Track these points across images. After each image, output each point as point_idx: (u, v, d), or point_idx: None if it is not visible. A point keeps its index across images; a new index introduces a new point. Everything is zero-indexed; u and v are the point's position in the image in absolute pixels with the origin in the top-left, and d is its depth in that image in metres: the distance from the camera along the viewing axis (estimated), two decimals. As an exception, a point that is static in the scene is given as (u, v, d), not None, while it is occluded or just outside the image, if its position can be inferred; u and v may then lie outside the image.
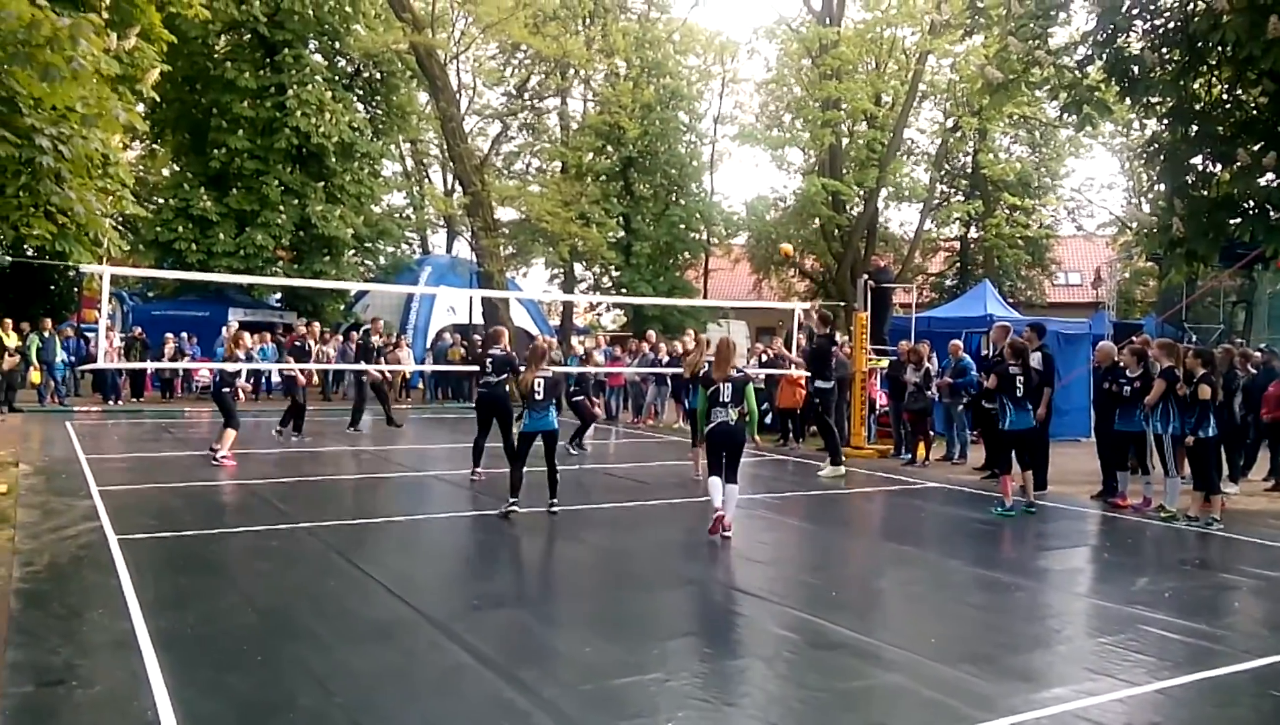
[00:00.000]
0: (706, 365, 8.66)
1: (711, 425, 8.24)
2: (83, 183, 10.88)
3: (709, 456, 8.39)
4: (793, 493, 11.18)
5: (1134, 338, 12.03)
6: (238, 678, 4.70)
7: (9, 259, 12.05)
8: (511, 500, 8.98)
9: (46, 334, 19.80)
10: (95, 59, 8.24)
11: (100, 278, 11.97)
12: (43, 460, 12.26)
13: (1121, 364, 10.49)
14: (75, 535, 7.84)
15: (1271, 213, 11.81)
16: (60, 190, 10.30)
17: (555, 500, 9.14)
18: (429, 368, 24.82)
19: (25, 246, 12.26)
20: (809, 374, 13.37)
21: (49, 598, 6.05)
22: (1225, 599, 6.92)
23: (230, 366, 12.53)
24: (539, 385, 8.96)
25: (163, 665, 4.76)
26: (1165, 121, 13.51)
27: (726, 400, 8.16)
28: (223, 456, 11.86)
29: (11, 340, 18.64)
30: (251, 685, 4.63)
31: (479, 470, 11.13)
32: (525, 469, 9.08)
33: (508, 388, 10.53)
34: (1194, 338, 18.31)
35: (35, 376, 19.78)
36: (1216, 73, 12.66)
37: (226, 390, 12.47)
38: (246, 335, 13.40)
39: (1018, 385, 9.93)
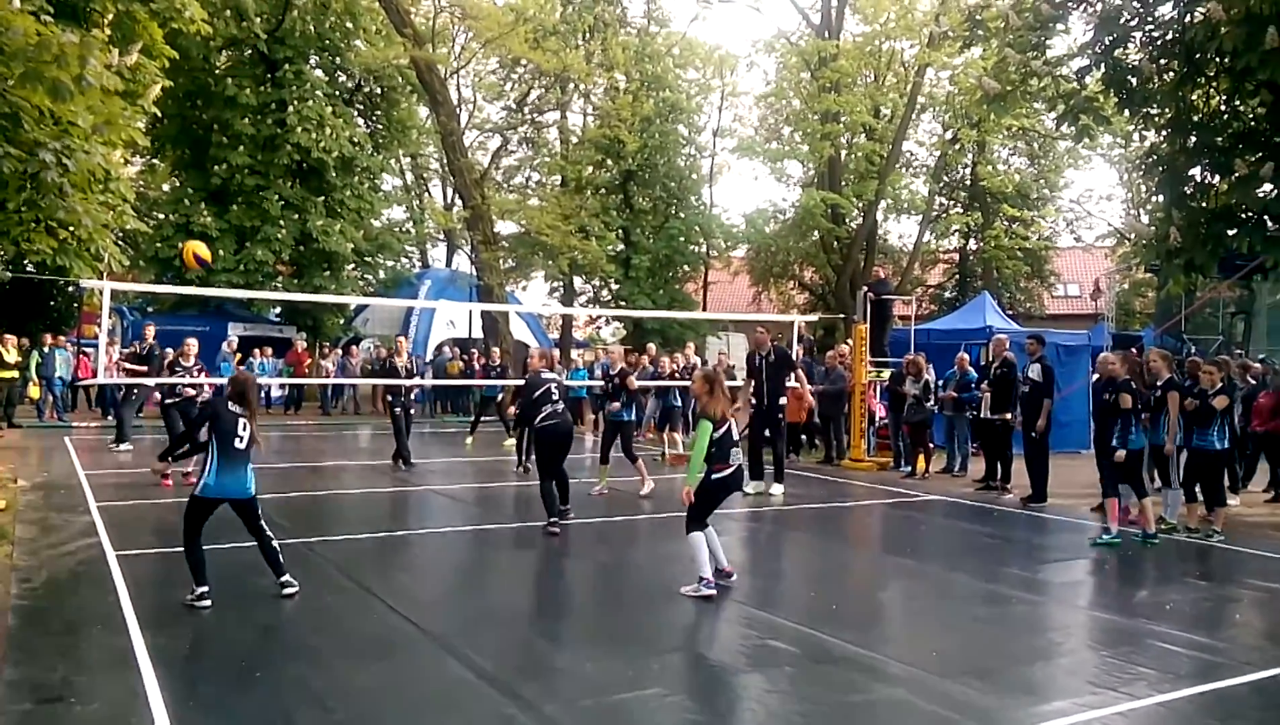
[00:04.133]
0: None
1: (729, 471, 6.93)
2: (85, 197, 10.89)
3: (706, 506, 7.04)
4: (793, 506, 11.16)
5: (1132, 350, 12.04)
6: (236, 695, 4.69)
7: (9, 274, 12.04)
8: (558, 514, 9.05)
9: (46, 349, 19.82)
10: (100, 74, 8.27)
11: (100, 293, 11.98)
12: (41, 476, 12.24)
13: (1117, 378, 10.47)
14: (74, 551, 7.83)
15: (1270, 223, 11.82)
16: (65, 204, 10.31)
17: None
18: (429, 382, 24.81)
19: (25, 262, 12.26)
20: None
21: (47, 614, 6.03)
22: (1226, 611, 6.90)
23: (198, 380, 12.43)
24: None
25: (161, 682, 4.75)
26: (1163, 132, 13.54)
27: (737, 439, 7.06)
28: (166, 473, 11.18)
29: (11, 356, 18.64)
30: (250, 702, 4.61)
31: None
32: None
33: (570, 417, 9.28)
34: (1193, 349, 18.30)
35: (34, 392, 19.79)
36: (1214, 84, 12.69)
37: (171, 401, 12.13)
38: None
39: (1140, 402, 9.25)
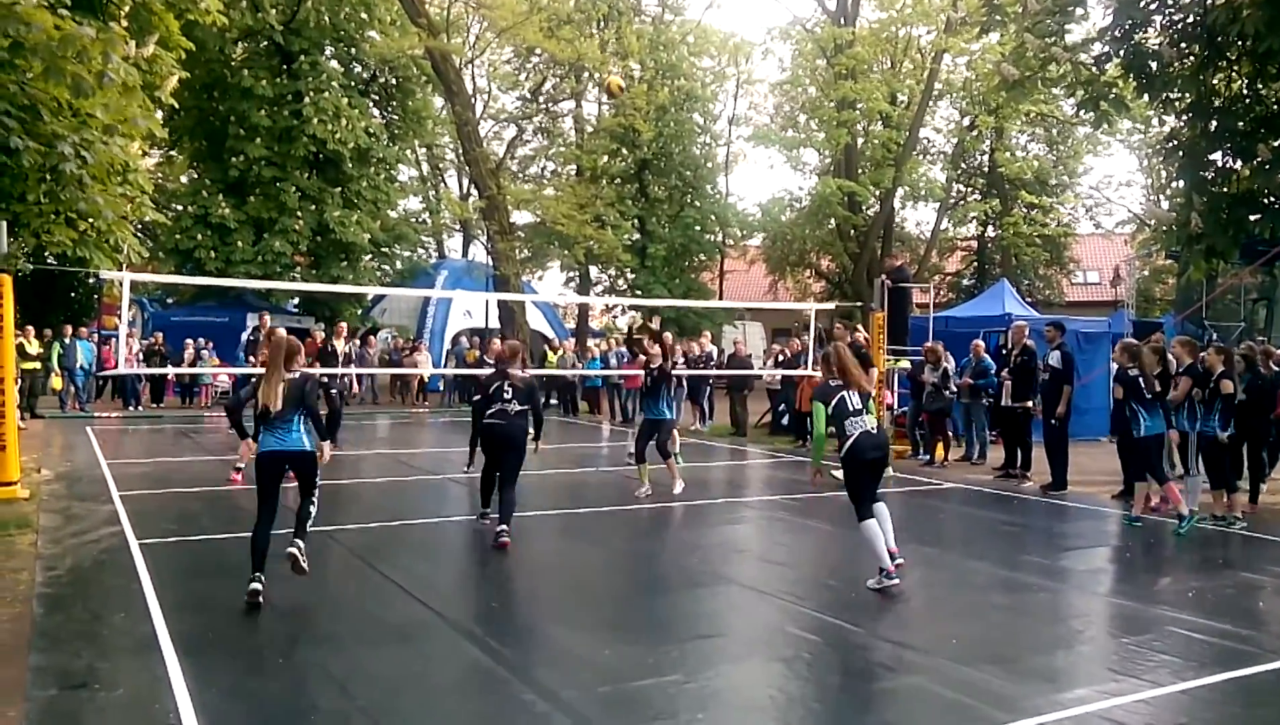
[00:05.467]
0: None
1: (853, 439, 6.68)
2: (104, 189, 10.97)
3: (856, 486, 6.77)
4: (812, 494, 11.13)
5: (1153, 337, 11.94)
6: (259, 681, 4.72)
7: (30, 266, 12.14)
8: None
9: (67, 340, 19.99)
10: (119, 68, 8.31)
11: (120, 284, 12.03)
12: (64, 466, 12.36)
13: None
14: (97, 540, 7.90)
15: (1292, 208, 11.70)
16: (84, 196, 10.39)
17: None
18: (449, 371, 24.90)
19: (46, 254, 12.35)
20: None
21: (71, 602, 6.09)
22: (1250, 598, 6.84)
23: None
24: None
25: (184, 668, 4.79)
26: (1184, 117, 13.40)
27: (859, 407, 6.77)
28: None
29: (33, 347, 18.81)
30: (272, 688, 4.65)
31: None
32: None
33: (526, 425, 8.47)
34: (1214, 336, 18.14)
35: (56, 383, 19.96)
36: (1236, 67, 12.54)
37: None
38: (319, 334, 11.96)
39: (1142, 387, 9.25)
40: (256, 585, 5.98)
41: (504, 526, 7.90)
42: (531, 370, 11.62)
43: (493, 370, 8.83)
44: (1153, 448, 9.33)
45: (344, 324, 14.06)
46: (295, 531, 6.26)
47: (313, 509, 6.41)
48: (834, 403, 6.72)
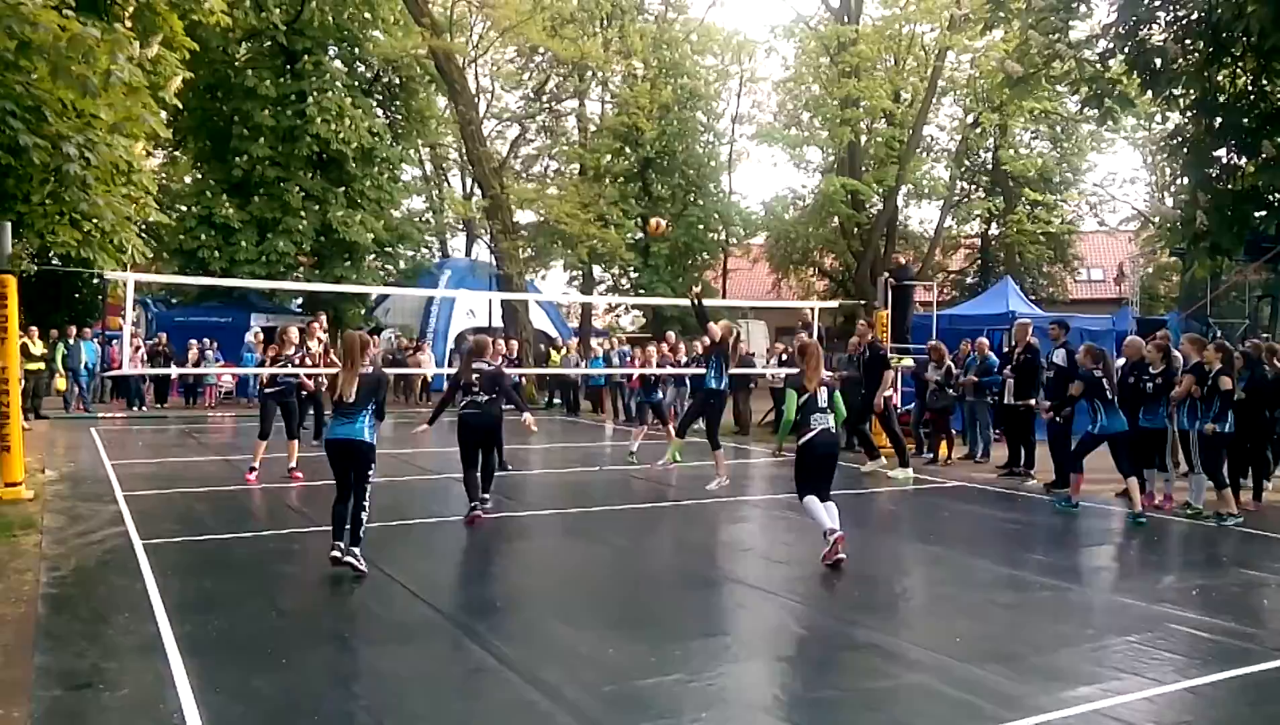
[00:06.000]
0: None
1: (812, 434, 7.33)
2: (108, 190, 10.99)
3: (802, 472, 7.44)
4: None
5: (1156, 334, 11.91)
6: (263, 680, 4.73)
7: (34, 267, 12.16)
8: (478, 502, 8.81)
9: (71, 341, 20.02)
10: (126, 70, 8.33)
11: (124, 284, 12.04)
12: (68, 466, 12.38)
13: (1146, 360, 10.39)
14: (101, 540, 7.91)
15: (1298, 205, 11.68)
16: (87, 196, 10.41)
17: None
18: (451, 370, 24.88)
19: (50, 254, 12.37)
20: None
21: (76, 602, 6.10)
22: (1255, 596, 6.83)
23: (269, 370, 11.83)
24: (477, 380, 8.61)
25: (188, 668, 4.80)
26: (1188, 114, 13.37)
27: (825, 405, 7.36)
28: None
29: (37, 348, 18.84)
30: (276, 687, 4.65)
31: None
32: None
33: (499, 411, 9.03)
34: (1219, 333, 18.09)
35: (60, 383, 20.00)
36: (1241, 64, 12.51)
37: (270, 391, 11.13)
38: (293, 329, 12.12)
39: (1105, 388, 9.62)
40: (335, 553, 6.67)
41: (485, 494, 8.74)
42: (535, 369, 11.86)
43: (464, 367, 9.14)
44: (1090, 444, 9.80)
45: (317, 324, 14.39)
46: (351, 539, 6.73)
47: (364, 515, 6.87)
48: (805, 398, 7.32)
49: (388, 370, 11.94)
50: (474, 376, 8.78)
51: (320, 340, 12.73)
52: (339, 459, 6.88)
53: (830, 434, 7.35)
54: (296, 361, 11.32)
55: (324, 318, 15.44)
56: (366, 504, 6.88)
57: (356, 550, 6.72)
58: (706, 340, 11.14)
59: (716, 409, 11.10)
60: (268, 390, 11.24)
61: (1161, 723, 4.38)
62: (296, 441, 11.38)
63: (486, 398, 8.69)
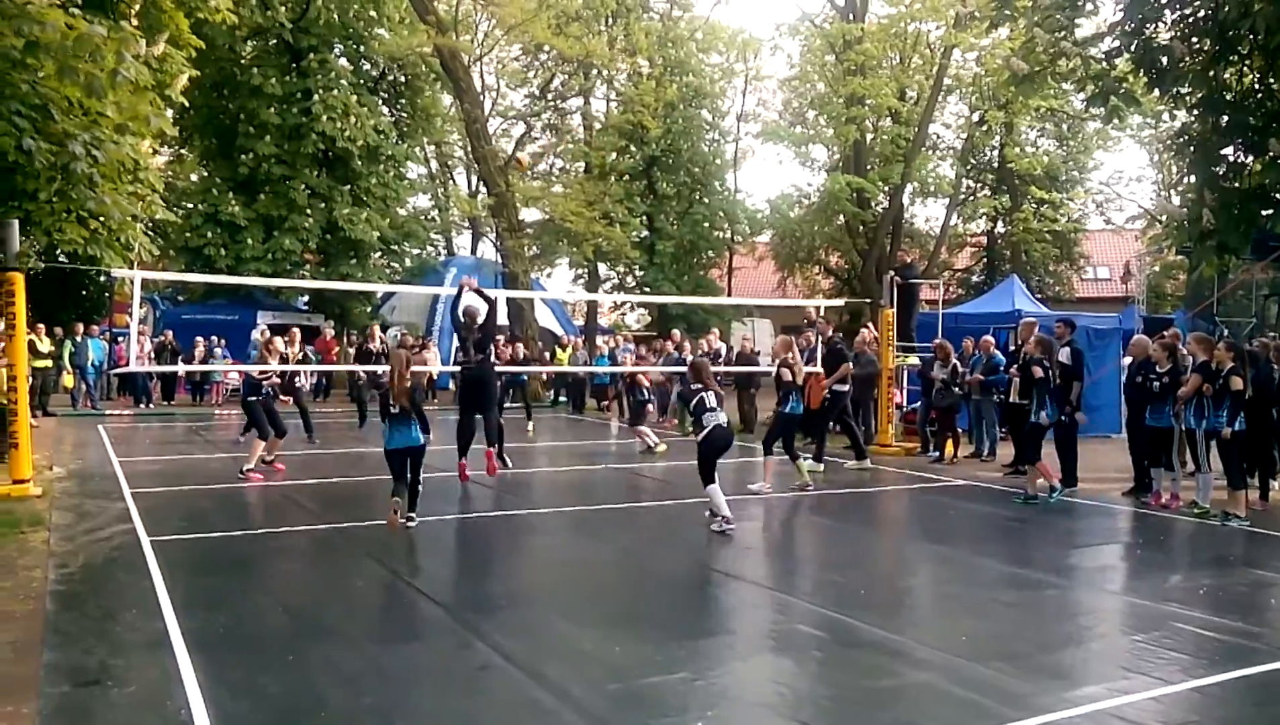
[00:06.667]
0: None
1: (708, 430, 8.58)
2: (114, 187, 11.01)
3: (701, 463, 8.64)
4: (821, 491, 11.12)
5: (1164, 333, 11.88)
6: (269, 677, 4.74)
7: (41, 264, 12.19)
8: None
9: (79, 338, 20.07)
10: (132, 68, 8.34)
11: (131, 282, 12.06)
12: (76, 463, 12.42)
13: (1152, 358, 10.36)
14: (109, 537, 7.94)
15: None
16: (94, 194, 10.43)
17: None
18: (455, 368, 24.90)
19: (57, 252, 12.41)
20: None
21: (84, 599, 6.12)
22: (1262, 596, 6.81)
23: (258, 368, 12.23)
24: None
25: (195, 665, 4.81)
26: (1195, 112, 13.31)
27: (714, 406, 8.67)
28: (248, 469, 11.08)
29: (45, 345, 18.90)
30: (283, 685, 4.66)
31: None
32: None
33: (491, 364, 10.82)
34: (1226, 332, 18.05)
35: (68, 381, 20.05)
36: (1247, 62, 12.46)
37: (253, 398, 11.52)
38: (279, 340, 12.95)
39: (1050, 379, 10.16)
40: (397, 498, 8.20)
41: (492, 447, 10.38)
42: (541, 368, 12.63)
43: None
44: (1039, 434, 10.47)
45: (296, 330, 15.07)
46: (409, 505, 8.34)
47: (420, 488, 8.56)
48: (694, 402, 8.69)
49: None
50: (467, 337, 10.43)
51: (295, 346, 13.31)
52: (400, 462, 8.32)
53: (723, 428, 8.63)
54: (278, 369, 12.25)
55: (297, 331, 15.83)
56: (421, 482, 8.57)
57: (413, 513, 8.36)
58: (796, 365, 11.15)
59: (794, 424, 11.33)
60: (250, 398, 11.64)
61: (1168, 722, 4.37)
62: (280, 439, 11.85)
63: (478, 357, 10.19)
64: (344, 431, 16.62)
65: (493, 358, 10.95)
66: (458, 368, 10.71)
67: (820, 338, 13.65)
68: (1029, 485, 10.47)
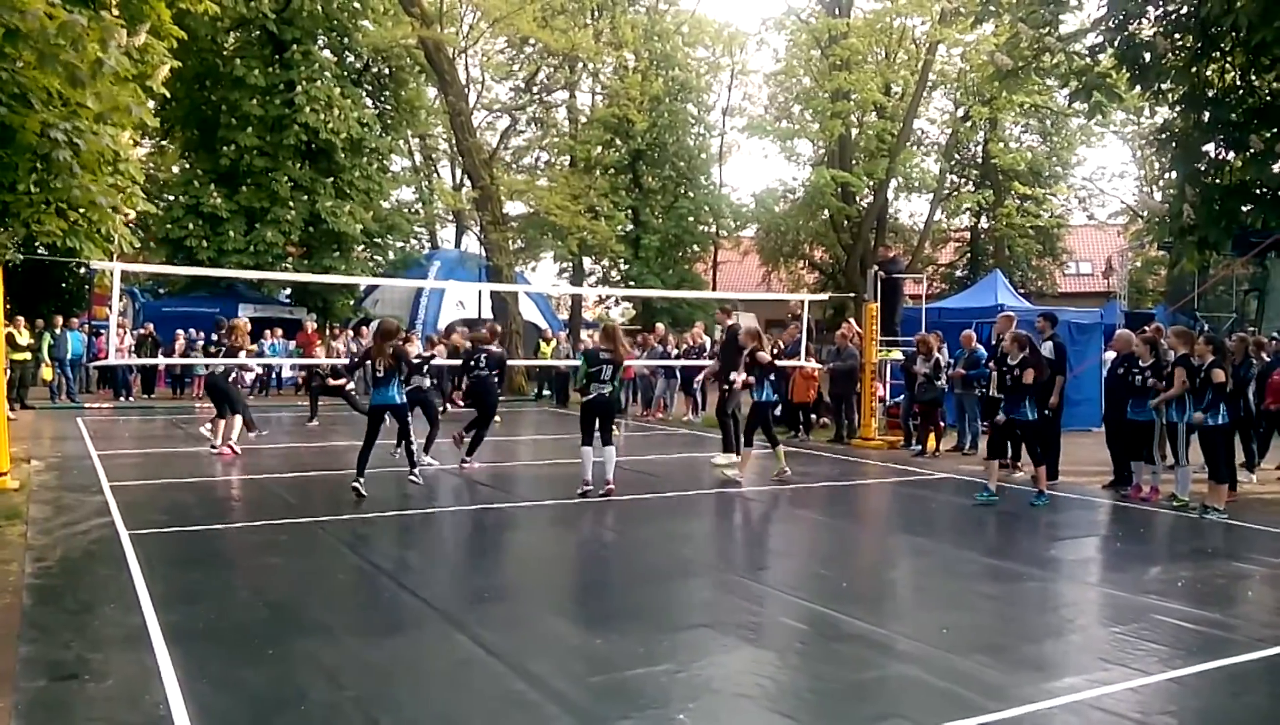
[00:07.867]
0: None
1: (591, 397, 9.68)
2: (94, 178, 10.90)
3: (581, 425, 9.84)
4: (804, 484, 11.15)
5: (1146, 327, 11.96)
6: (249, 671, 4.71)
7: (20, 256, 12.08)
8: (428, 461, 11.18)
9: (58, 331, 19.90)
10: (114, 57, 8.26)
11: (111, 274, 11.99)
12: (55, 456, 12.32)
13: (1135, 353, 10.42)
14: (87, 531, 7.88)
15: (1285, 199, 11.69)
16: (75, 184, 10.32)
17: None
18: (440, 362, 24.81)
19: (36, 244, 12.30)
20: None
21: (61, 593, 6.07)
22: (1239, 588, 6.88)
23: (237, 361, 12.70)
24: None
25: (174, 659, 4.78)
26: (1177, 108, 13.38)
27: (608, 378, 9.66)
28: (218, 447, 12.23)
29: (24, 338, 18.74)
30: (263, 678, 4.64)
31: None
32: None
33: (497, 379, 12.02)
34: (1206, 326, 18.19)
35: (47, 373, 19.89)
36: (1229, 59, 12.52)
37: (230, 378, 12.86)
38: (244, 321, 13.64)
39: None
40: (356, 485, 9.33)
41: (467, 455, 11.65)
42: (525, 361, 13.33)
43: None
44: (1011, 431, 10.43)
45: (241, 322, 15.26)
46: (410, 464, 10.03)
47: (413, 447, 10.03)
48: (595, 368, 9.57)
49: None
50: (482, 356, 11.82)
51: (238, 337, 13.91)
52: (378, 418, 9.65)
53: (605, 398, 9.63)
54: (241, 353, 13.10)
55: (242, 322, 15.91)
56: (410, 436, 9.95)
57: (412, 466, 9.94)
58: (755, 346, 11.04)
59: (766, 412, 11.26)
60: (222, 383, 12.80)
61: (1146, 713, 4.40)
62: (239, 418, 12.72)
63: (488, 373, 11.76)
64: (326, 424, 16.53)
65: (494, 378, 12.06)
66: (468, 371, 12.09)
67: (720, 326, 12.72)
68: (990, 480, 10.13)
